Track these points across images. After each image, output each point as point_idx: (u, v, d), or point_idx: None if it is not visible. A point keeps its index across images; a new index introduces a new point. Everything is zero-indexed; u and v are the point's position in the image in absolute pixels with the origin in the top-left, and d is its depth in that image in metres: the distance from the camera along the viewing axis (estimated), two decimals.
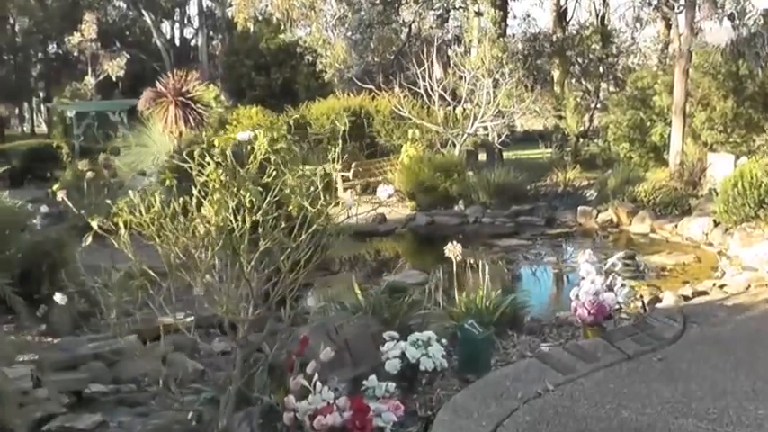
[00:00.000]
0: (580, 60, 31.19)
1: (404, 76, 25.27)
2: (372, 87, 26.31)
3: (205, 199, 5.63)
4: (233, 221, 5.61)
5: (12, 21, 54.50)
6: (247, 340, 5.77)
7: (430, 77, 23.73)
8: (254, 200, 5.54)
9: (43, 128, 53.39)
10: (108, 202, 5.69)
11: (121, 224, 5.63)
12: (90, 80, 47.73)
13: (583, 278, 8.26)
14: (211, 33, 52.25)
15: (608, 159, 25.74)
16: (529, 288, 13.22)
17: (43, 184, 25.50)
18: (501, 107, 23.56)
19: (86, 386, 7.69)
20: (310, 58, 32.06)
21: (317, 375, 5.54)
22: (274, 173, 5.78)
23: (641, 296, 9.95)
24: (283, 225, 5.83)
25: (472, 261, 14.67)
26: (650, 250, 15.34)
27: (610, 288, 8.16)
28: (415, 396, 6.63)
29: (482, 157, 28.26)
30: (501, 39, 27.47)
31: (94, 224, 5.91)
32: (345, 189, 23.68)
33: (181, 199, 5.67)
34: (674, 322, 8.55)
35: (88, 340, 8.71)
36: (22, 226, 11.43)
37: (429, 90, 23.81)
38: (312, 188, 5.98)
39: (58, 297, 6.15)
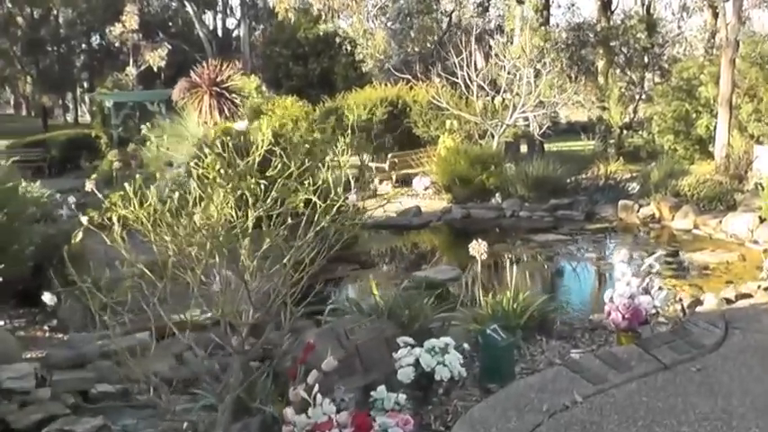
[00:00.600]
0: (625, 50, 30.45)
1: (443, 65, 24.78)
2: (409, 77, 25.81)
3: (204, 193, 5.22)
4: (234, 217, 5.18)
5: (55, 12, 54.88)
6: (244, 346, 5.32)
7: (468, 67, 23.18)
8: (255, 193, 5.12)
9: (87, 118, 53.66)
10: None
11: (115, 219, 5.26)
12: (131, 70, 47.92)
13: (618, 280, 7.69)
14: (253, 24, 52.00)
15: (652, 152, 25.08)
16: (563, 287, 12.69)
17: (82, 173, 25.43)
18: (542, 97, 22.95)
19: (93, 386, 7.35)
20: (348, 48, 31.66)
21: (317, 387, 5.07)
22: (279, 165, 5.35)
23: (680, 299, 9.34)
24: (289, 221, 5.39)
25: (509, 256, 14.29)
26: (692, 247, 14.65)
27: (646, 291, 7.58)
28: (430, 407, 6.14)
29: (524, 149, 27.70)
30: (543, 27, 26.88)
31: (84, 219, 5.55)
32: (381, 181, 23.32)
33: (176, 193, 5.28)
34: (714, 328, 7.94)
35: (97, 337, 8.33)
36: (36, 218, 11.15)
37: (467, 80, 23.26)
38: (321, 182, 5.49)
39: (47, 297, 5.78)
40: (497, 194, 19.24)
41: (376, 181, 23.73)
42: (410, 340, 6.23)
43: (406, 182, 23.40)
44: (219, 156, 5.18)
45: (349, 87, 28.32)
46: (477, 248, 8.05)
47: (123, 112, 33.43)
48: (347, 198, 5.69)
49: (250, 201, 5.21)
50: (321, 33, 32.66)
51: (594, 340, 7.99)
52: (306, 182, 5.42)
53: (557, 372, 6.78)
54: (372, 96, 26.06)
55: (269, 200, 5.23)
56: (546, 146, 28.07)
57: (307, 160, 5.54)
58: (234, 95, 22.17)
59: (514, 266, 8.31)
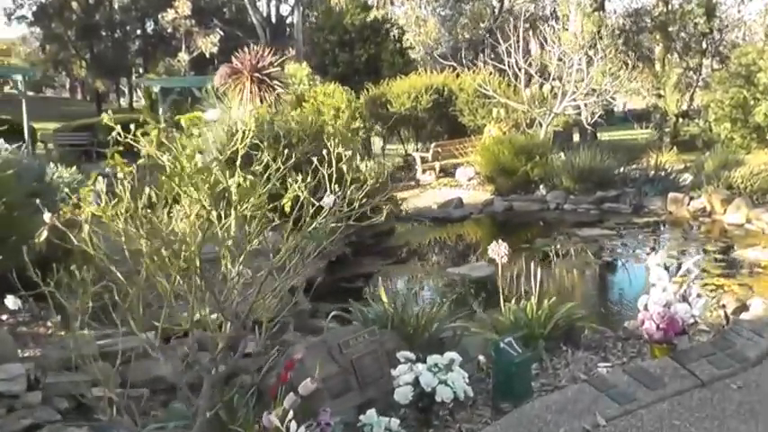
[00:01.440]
0: (683, 36, 29.49)
1: (492, 53, 24.12)
2: (454, 64, 25.19)
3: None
4: (212, 218, 4.64)
5: None
6: (216, 363, 4.76)
7: (516, 52, 22.43)
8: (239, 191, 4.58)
9: (143, 103, 54.32)
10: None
11: (83, 217, 4.77)
12: (184, 56, 48.00)
13: (653, 285, 6.93)
14: (307, 11, 51.57)
15: (708, 140, 24.20)
16: (601, 289, 11.98)
17: (130, 158, 25.29)
18: (594, 85, 22.15)
19: (88, 390, 6.86)
20: (396, 35, 31.10)
21: (291, 413, 4.48)
22: (265, 160, 4.79)
23: (723, 305, 8.56)
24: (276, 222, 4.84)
25: (550, 252, 13.62)
26: (744, 243, 13.81)
27: (684, 298, 6.84)
28: (431, 431, 5.51)
29: (577, 138, 26.95)
30: (596, 13, 26.00)
31: (47, 216, 5.06)
32: (425, 171, 22.80)
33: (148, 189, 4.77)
34: (760, 338, 7.12)
35: (97, 336, 7.83)
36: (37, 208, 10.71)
37: (515, 67, 22.52)
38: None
39: (10, 301, 5.27)
40: (542, 186, 18.57)
41: (419, 171, 23.26)
42: (410, 355, 5.60)
43: (450, 172, 22.84)
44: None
45: (395, 74, 27.70)
46: (497, 251, 7.33)
47: (170, 98, 33.54)
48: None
49: (234, 199, 4.67)
50: (368, 20, 32.05)
51: (627, 351, 7.21)
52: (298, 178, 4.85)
53: (579, 389, 6.09)
54: (417, 84, 25.41)
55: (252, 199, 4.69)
56: (600, 135, 27.29)
57: (295, 154, 4.96)
58: (276, 82, 21.69)
59: (539, 270, 7.49)
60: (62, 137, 31.88)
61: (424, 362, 5.56)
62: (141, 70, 58.74)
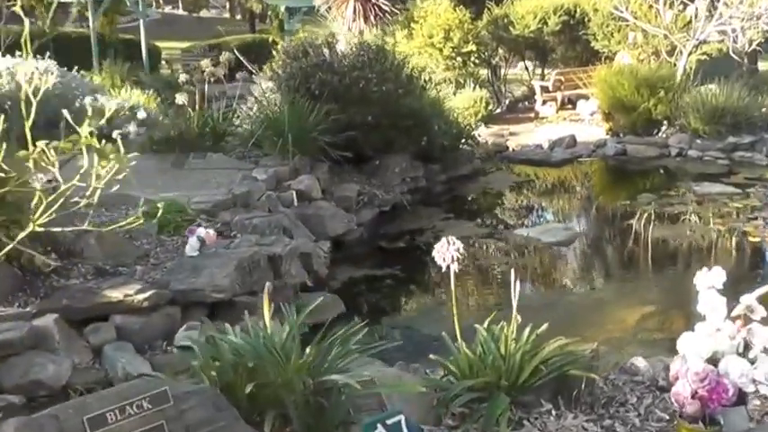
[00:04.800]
0: None
1: None
2: None
3: None
4: None
5: None
6: None
7: None
8: None
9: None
10: None
11: None
12: None
13: (702, 321, 4.16)
14: None
15: None
16: (690, 278, 9.17)
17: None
18: (752, 7, 18.71)
19: None
20: None
21: None
22: None
23: None
24: None
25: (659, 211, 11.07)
26: None
27: (746, 347, 4.06)
28: None
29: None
30: None
31: None
32: (545, 102, 20.38)
33: None
34: None
35: None
36: None
37: None
38: None
39: None
40: (664, 127, 15.59)
41: (538, 102, 20.69)
42: None
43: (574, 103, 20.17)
44: None
45: None
46: (444, 253, 4.55)
47: (296, 18, 32.08)
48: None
49: None
50: None
51: (651, 418, 4.38)
52: None
53: None
54: (545, 3, 22.31)
55: None
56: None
57: None
58: (382, 1, 19.47)
59: (517, 282, 4.67)
60: (189, 57, 30.72)
61: None
62: None
